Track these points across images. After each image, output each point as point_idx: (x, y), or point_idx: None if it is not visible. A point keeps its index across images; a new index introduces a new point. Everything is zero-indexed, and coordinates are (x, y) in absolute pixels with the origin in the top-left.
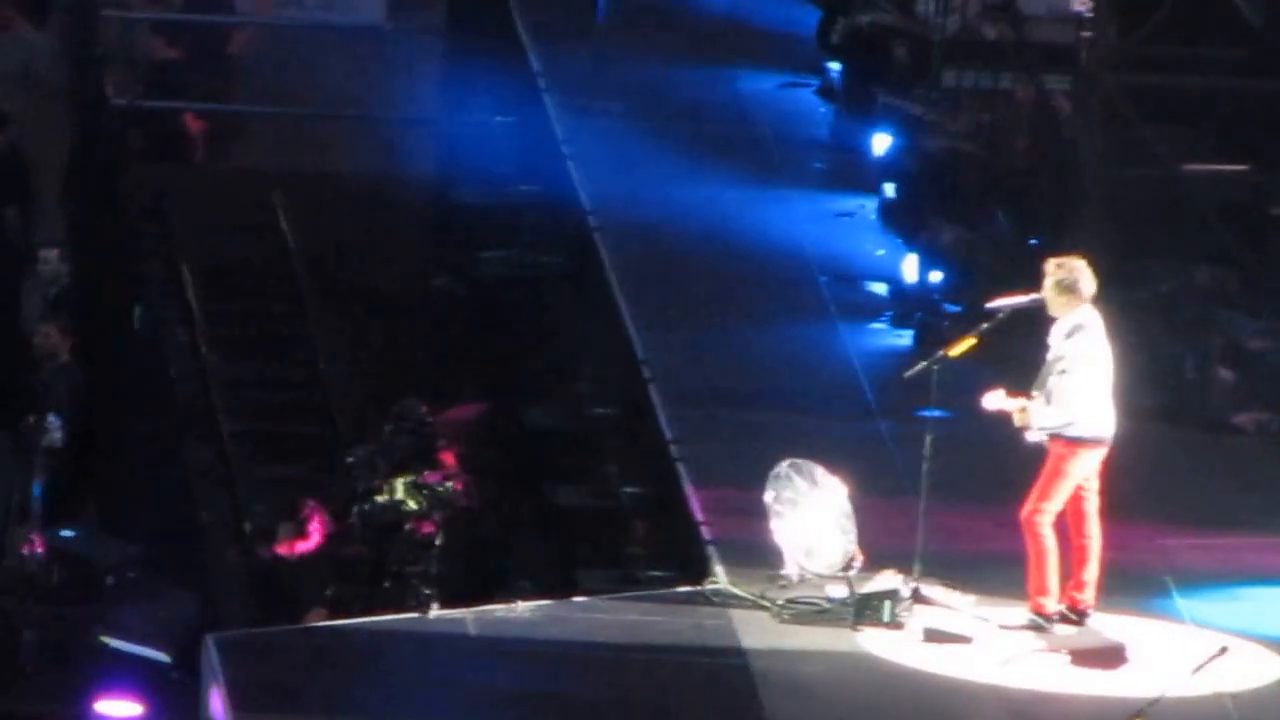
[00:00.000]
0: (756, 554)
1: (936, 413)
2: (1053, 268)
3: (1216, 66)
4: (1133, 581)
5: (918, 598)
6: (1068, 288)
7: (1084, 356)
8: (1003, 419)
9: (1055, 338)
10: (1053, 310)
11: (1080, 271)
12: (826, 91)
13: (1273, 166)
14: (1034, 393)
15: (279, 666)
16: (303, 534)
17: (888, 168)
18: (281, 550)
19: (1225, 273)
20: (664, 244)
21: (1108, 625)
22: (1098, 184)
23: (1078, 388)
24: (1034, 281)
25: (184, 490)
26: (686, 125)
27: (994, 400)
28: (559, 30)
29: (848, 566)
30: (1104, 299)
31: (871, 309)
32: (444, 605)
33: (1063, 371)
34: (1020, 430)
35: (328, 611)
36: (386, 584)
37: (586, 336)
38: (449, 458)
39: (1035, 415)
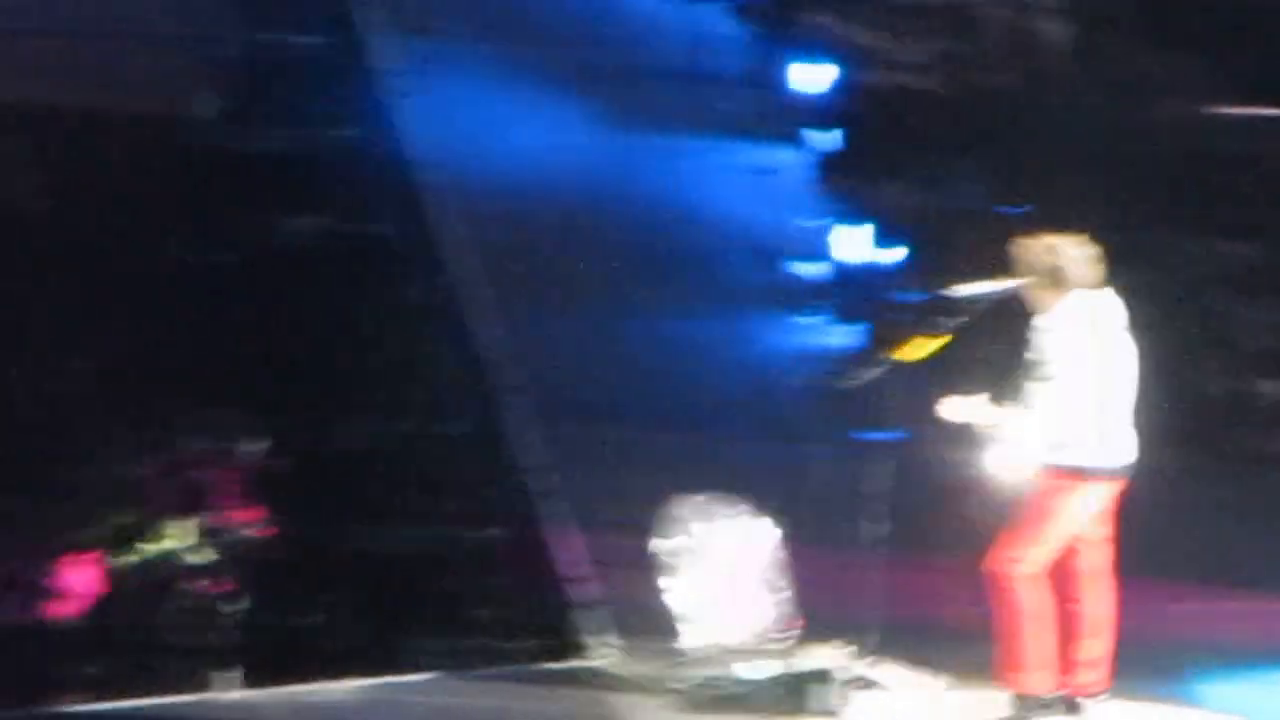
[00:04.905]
0: (651, 620)
1: (889, 435)
2: (1029, 257)
3: None
4: (1150, 660)
5: (867, 680)
6: (1051, 276)
7: (1080, 357)
8: (975, 439)
9: (1047, 333)
10: (1042, 307)
11: (1066, 254)
12: (741, 7)
13: None
14: (1011, 402)
15: None
16: (59, 592)
17: (823, 109)
18: (30, 613)
19: (1263, 251)
20: (523, 209)
21: (1118, 719)
22: (1095, 132)
23: (1070, 397)
24: (1015, 261)
25: None
26: (553, 51)
27: (957, 409)
28: None
29: (774, 637)
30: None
31: (801, 297)
32: (237, 687)
33: (1048, 376)
34: (989, 448)
35: (81, 696)
36: (160, 659)
37: (421, 330)
38: (247, 496)
39: (1017, 426)
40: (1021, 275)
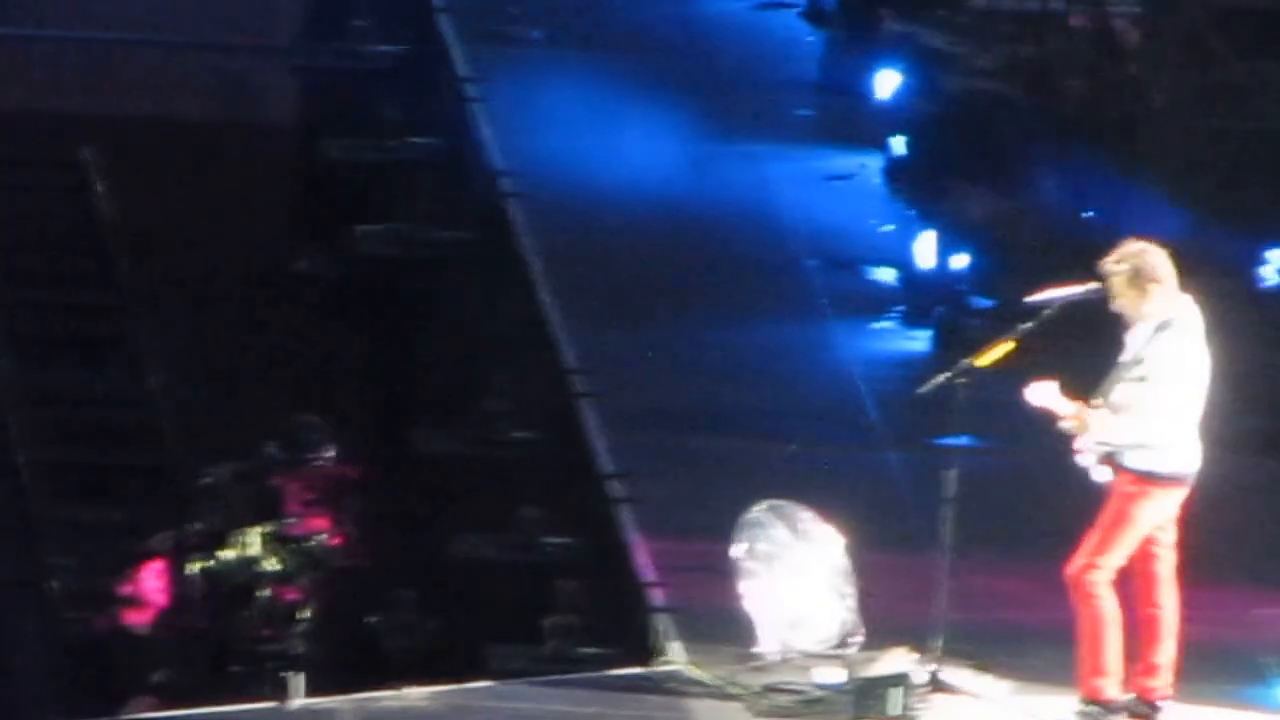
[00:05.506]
0: (723, 625)
1: (962, 440)
2: (1112, 261)
3: None
4: (1222, 664)
5: (937, 684)
6: (1138, 279)
7: (1173, 363)
8: (1052, 446)
9: (1137, 337)
10: (1128, 312)
11: (1150, 256)
12: (815, 14)
13: None
14: (1097, 401)
15: None
16: (137, 599)
17: (897, 116)
18: (108, 621)
19: None
20: (600, 215)
21: None
22: (1174, 139)
23: (1161, 403)
24: (1090, 266)
25: None
26: (628, 58)
27: (1043, 394)
28: None
29: (844, 642)
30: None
31: (876, 303)
32: (310, 694)
33: (1142, 379)
34: (1071, 442)
35: (155, 702)
36: (234, 666)
37: (497, 337)
38: (322, 503)
39: (1098, 423)
40: (1111, 278)
